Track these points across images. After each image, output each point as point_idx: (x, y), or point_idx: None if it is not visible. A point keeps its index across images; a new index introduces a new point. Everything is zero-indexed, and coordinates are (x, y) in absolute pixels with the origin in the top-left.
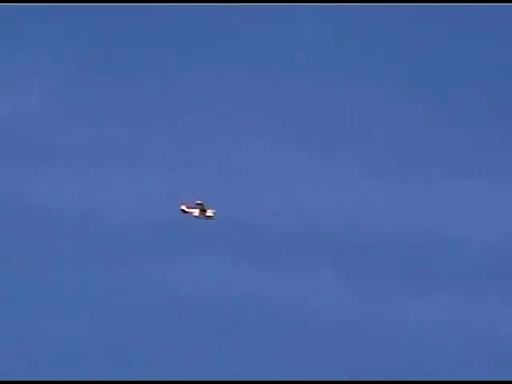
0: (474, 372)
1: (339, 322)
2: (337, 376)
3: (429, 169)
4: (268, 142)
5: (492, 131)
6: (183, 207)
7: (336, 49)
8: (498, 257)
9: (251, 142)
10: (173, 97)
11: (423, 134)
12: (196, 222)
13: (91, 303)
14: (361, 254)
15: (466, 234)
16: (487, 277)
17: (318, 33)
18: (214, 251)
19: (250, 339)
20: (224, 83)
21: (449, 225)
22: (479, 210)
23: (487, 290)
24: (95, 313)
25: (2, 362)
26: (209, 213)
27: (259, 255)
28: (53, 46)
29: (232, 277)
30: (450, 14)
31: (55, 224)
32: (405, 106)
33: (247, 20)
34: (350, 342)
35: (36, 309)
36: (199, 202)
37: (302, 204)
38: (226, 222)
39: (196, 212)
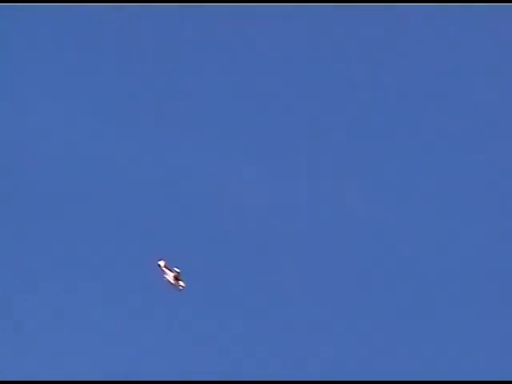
0: None
1: None
2: None
3: None
4: None
5: None
6: (162, 263)
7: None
8: None
9: None
10: None
11: None
12: (164, 285)
13: None
14: None
15: None
16: None
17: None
18: None
19: None
20: None
21: None
22: None
23: None
24: None
25: None
26: (181, 284)
27: None
28: None
29: None
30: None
31: None
32: None
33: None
34: None
35: None
36: (178, 270)
37: None
38: None
39: (170, 276)
